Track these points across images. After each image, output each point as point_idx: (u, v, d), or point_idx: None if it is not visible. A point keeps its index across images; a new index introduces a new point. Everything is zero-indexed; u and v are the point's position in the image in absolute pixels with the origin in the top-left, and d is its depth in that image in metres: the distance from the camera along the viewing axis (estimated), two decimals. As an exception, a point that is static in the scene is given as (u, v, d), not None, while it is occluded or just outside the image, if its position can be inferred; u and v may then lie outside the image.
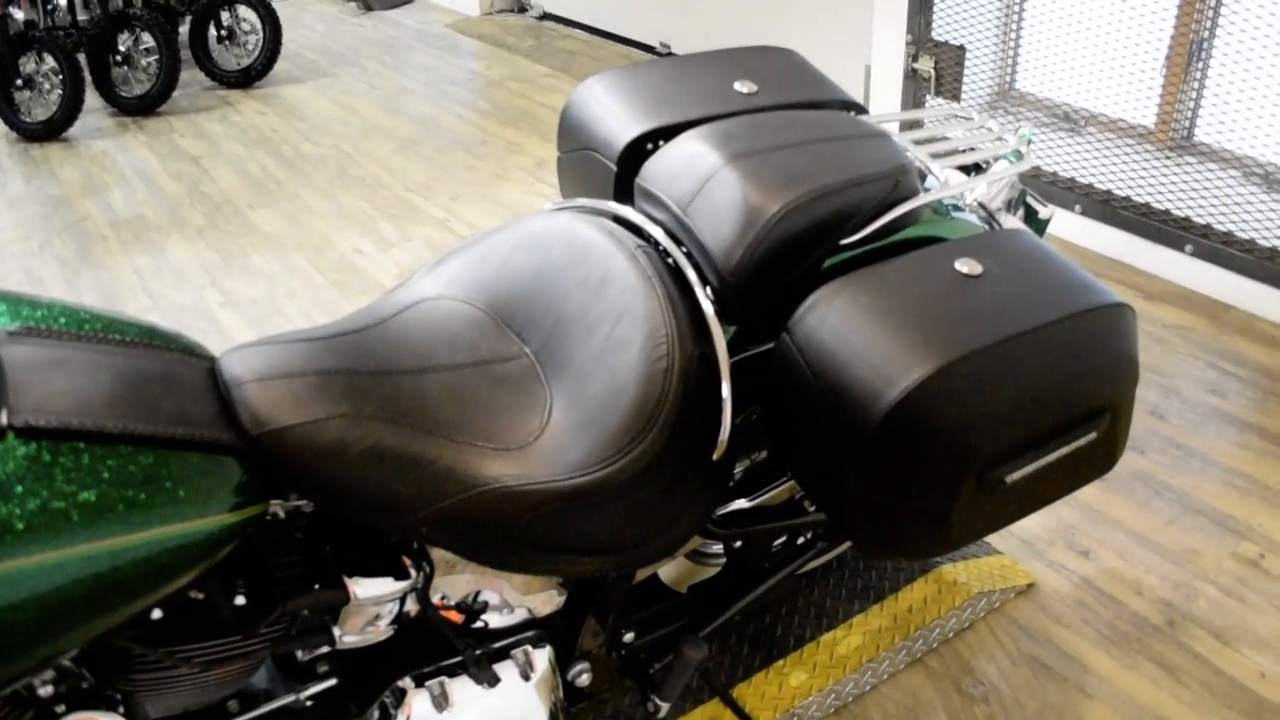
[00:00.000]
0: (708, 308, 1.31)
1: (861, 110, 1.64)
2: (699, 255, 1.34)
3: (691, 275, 1.33)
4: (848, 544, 1.91)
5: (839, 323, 1.23)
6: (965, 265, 1.30)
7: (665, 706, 1.56)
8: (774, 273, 1.32)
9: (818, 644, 1.94)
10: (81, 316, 1.11)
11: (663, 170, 1.39)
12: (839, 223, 1.34)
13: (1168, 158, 3.27)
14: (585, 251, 1.35)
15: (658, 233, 1.39)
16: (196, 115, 5.10)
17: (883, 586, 2.06)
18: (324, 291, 3.42)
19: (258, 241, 3.78)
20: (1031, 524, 2.32)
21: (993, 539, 2.27)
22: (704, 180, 1.33)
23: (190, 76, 5.52)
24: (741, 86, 1.58)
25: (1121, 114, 3.40)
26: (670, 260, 1.37)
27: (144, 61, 5.07)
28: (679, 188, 1.36)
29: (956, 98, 3.66)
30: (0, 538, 0.89)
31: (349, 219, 3.92)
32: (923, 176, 1.56)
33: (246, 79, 5.40)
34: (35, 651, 0.94)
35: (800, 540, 1.81)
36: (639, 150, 1.50)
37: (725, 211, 1.30)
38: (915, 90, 3.75)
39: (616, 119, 1.52)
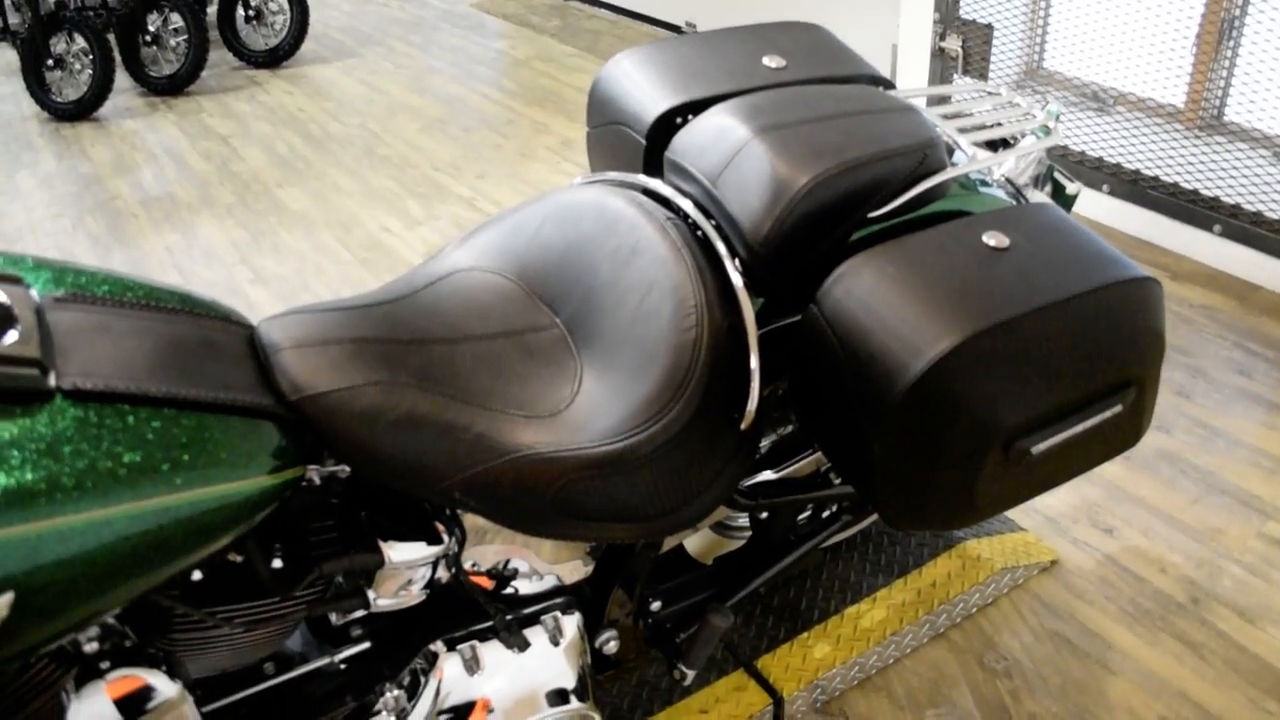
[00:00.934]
0: (736, 279, 1.32)
1: (889, 85, 1.65)
2: (728, 227, 1.35)
3: (720, 247, 1.34)
4: (873, 517, 1.92)
5: (866, 294, 1.24)
6: (992, 238, 1.31)
7: (691, 674, 1.58)
8: (802, 245, 1.33)
9: (841, 617, 1.96)
10: (125, 284, 1.14)
11: (692, 143, 1.40)
12: (867, 196, 1.35)
13: (1197, 137, 3.24)
14: (615, 223, 1.36)
15: (687, 205, 1.40)
16: (225, 95, 5.14)
17: (906, 561, 2.07)
18: (353, 269, 3.45)
19: (287, 220, 3.82)
20: (1056, 501, 2.33)
21: (1017, 516, 2.28)
22: (733, 153, 1.35)
23: (218, 57, 5.57)
24: (770, 61, 1.58)
25: (1150, 93, 3.37)
26: (699, 232, 1.38)
27: (173, 42, 5.11)
28: (708, 161, 1.37)
29: (984, 77, 3.64)
30: (50, 495, 0.91)
31: (377, 197, 3.95)
32: (950, 151, 1.57)
33: (274, 59, 5.43)
34: (83, 607, 0.97)
35: (825, 513, 1.83)
36: (668, 124, 1.52)
37: (754, 184, 1.32)
38: (942, 69, 3.73)
39: (646, 93, 1.53)
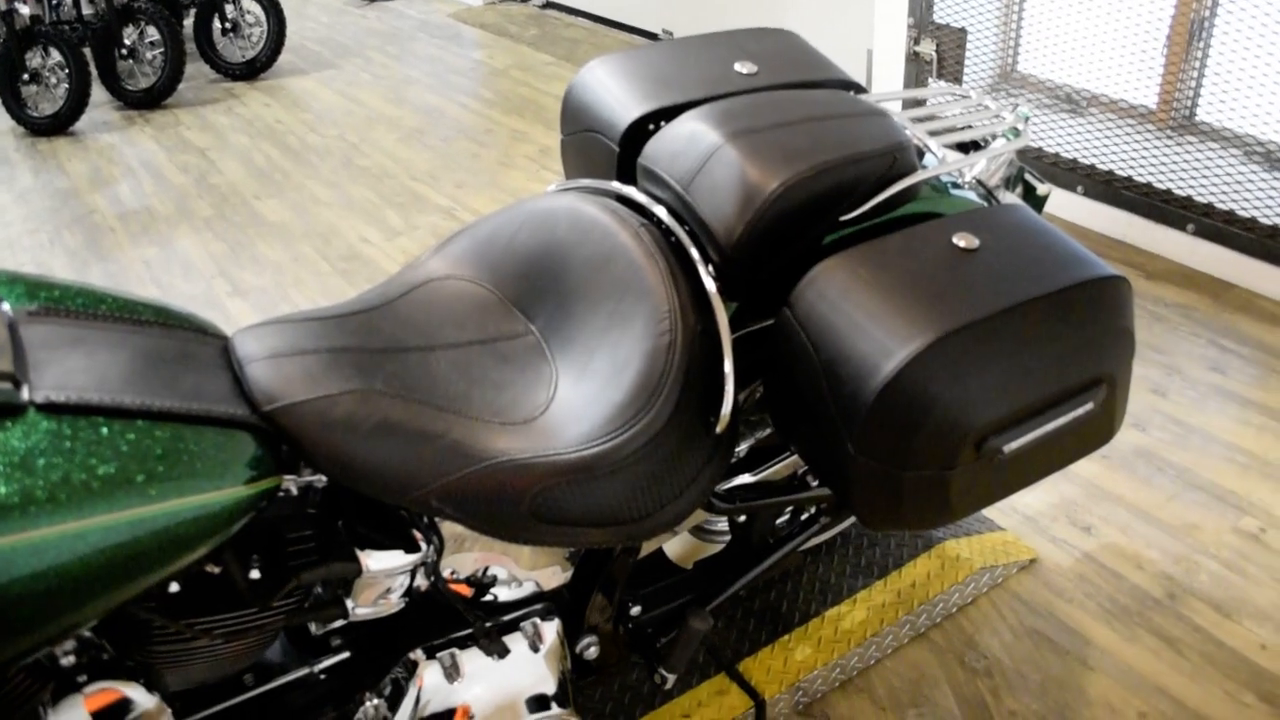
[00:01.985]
0: (710, 284, 1.33)
1: (860, 90, 1.66)
2: (701, 232, 1.36)
3: (693, 252, 1.35)
4: (851, 520, 1.93)
5: (838, 296, 1.25)
6: (962, 239, 1.32)
7: (672, 678, 1.59)
8: (774, 249, 1.34)
9: (822, 619, 1.97)
10: (99, 296, 1.14)
11: (664, 149, 1.41)
12: (838, 199, 1.37)
13: (1169, 138, 3.28)
14: (589, 230, 1.37)
15: (660, 211, 1.41)
16: (202, 108, 5.13)
17: (886, 562, 2.08)
18: (331, 280, 3.45)
19: (265, 231, 3.81)
20: (1034, 500, 2.34)
21: (995, 515, 2.30)
22: (705, 158, 1.36)
23: (195, 69, 5.56)
24: (741, 67, 1.60)
25: (1123, 95, 3.41)
26: (673, 238, 1.39)
27: (149, 55, 5.10)
28: (680, 166, 1.38)
29: (958, 80, 3.67)
30: (24, 508, 0.91)
31: (355, 208, 3.95)
32: (921, 154, 1.58)
33: (251, 71, 5.43)
34: (58, 620, 0.97)
35: (804, 516, 1.84)
36: (641, 131, 1.53)
37: (726, 189, 1.33)
38: (917, 73, 3.76)
39: (618, 100, 1.54)
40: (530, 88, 5.11)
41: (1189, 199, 3.16)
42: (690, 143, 1.38)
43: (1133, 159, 3.30)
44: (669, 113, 1.52)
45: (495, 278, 1.41)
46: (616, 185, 1.48)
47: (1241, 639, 1.98)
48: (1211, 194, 3.12)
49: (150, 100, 5.10)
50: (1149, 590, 2.10)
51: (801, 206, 1.33)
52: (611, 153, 1.54)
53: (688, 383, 1.26)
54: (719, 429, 1.30)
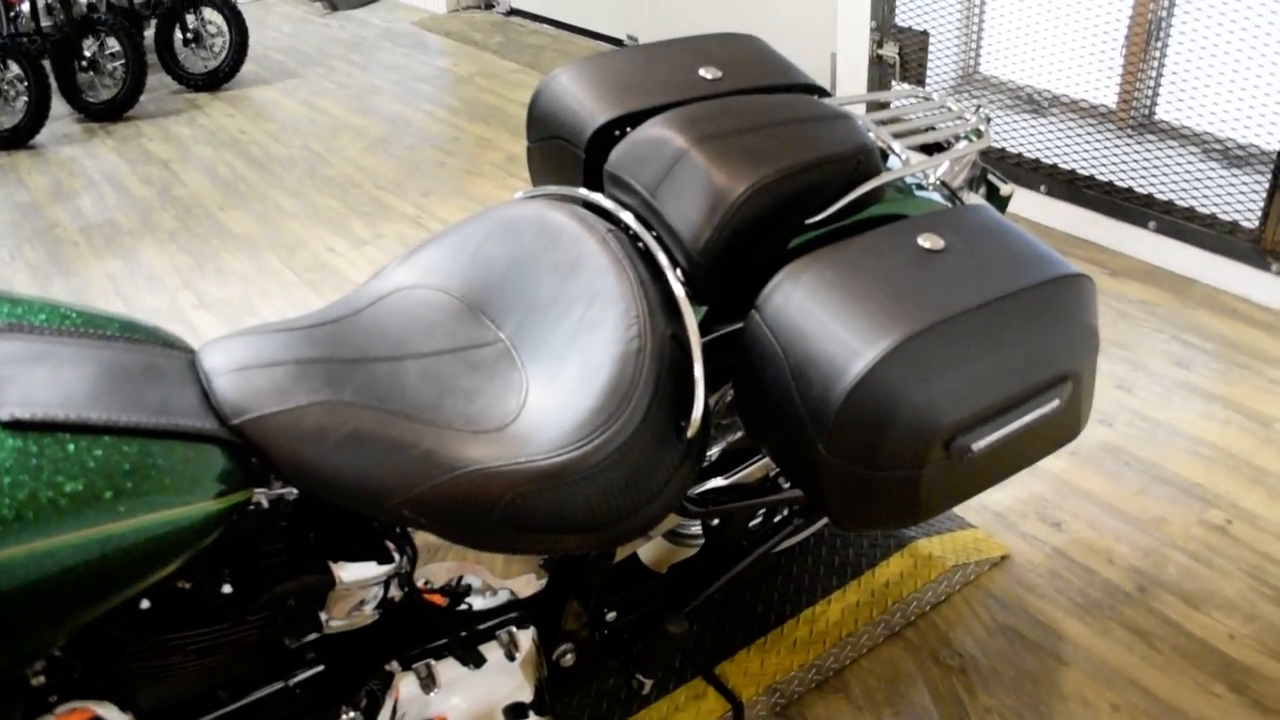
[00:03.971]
0: (678, 289, 1.33)
1: (824, 93, 1.67)
2: (668, 238, 1.36)
3: (661, 257, 1.36)
4: (824, 521, 1.94)
5: (805, 298, 1.26)
6: (928, 240, 1.33)
7: (649, 683, 1.59)
8: (742, 253, 1.35)
9: (797, 620, 1.98)
10: (62, 312, 1.13)
11: (630, 155, 1.42)
12: (803, 202, 1.38)
13: (1129, 137, 3.32)
14: (556, 237, 1.37)
15: (627, 217, 1.42)
16: (164, 119, 5.08)
17: (859, 562, 2.10)
18: (298, 290, 3.43)
19: (230, 243, 3.78)
20: (1004, 497, 2.37)
21: (966, 513, 2.31)
22: (670, 164, 1.36)
23: (157, 80, 5.51)
24: (706, 73, 1.60)
25: (1084, 95, 3.45)
26: (640, 244, 1.39)
27: (110, 66, 5.05)
28: (647, 172, 1.38)
29: (921, 83, 3.70)
30: (-13, 529, 0.90)
31: (321, 218, 3.93)
32: (885, 156, 1.60)
33: (214, 81, 5.38)
34: (28, 639, 0.96)
35: (777, 518, 1.84)
36: (607, 137, 1.53)
37: (692, 194, 1.33)
38: (881, 76, 3.79)
39: (584, 107, 1.54)
40: (496, 95, 5.10)
41: (1150, 197, 3.21)
42: (656, 148, 1.39)
43: (1094, 158, 3.34)
44: (634, 118, 1.52)
45: (463, 286, 1.41)
46: (583, 192, 1.49)
47: (1211, 630, 2.01)
48: (1172, 192, 3.16)
49: (112, 112, 5.05)
50: (1119, 584, 2.13)
51: (768, 210, 1.34)
52: (578, 159, 1.54)
53: (658, 387, 1.26)
54: (690, 433, 1.31)
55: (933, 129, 1.71)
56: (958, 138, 1.69)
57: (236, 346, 1.20)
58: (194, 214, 4.03)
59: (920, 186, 1.64)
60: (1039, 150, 3.48)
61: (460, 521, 1.20)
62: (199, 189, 4.26)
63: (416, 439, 1.18)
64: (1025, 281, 1.30)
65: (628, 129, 1.52)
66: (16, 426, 0.97)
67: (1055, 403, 1.36)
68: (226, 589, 1.20)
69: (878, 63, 3.78)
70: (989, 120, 1.68)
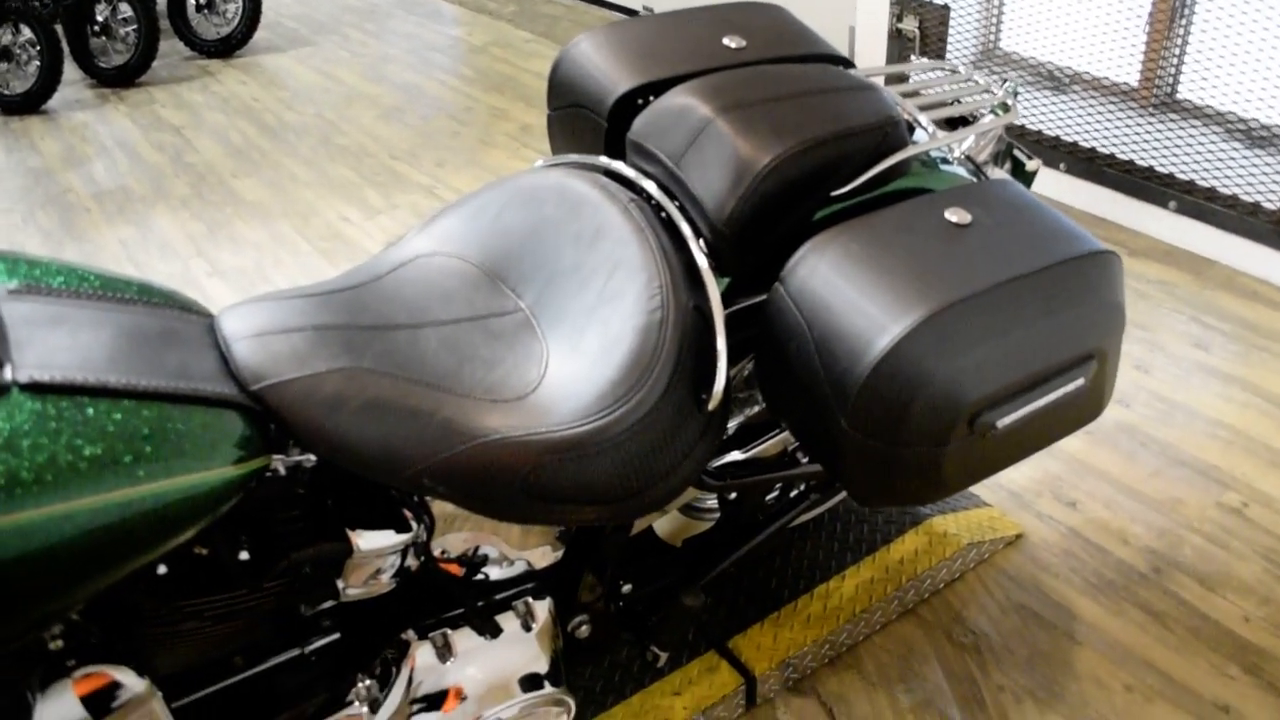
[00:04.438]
0: (701, 260, 1.32)
1: (849, 64, 1.65)
2: (692, 208, 1.35)
3: (684, 227, 1.34)
4: (841, 496, 1.93)
5: (831, 271, 1.24)
6: (954, 214, 1.31)
7: (664, 656, 1.59)
8: (766, 224, 1.33)
9: (811, 595, 1.97)
10: (80, 274, 1.11)
11: (654, 124, 1.40)
12: (829, 174, 1.36)
13: (1151, 115, 3.28)
14: (578, 206, 1.36)
15: (650, 186, 1.40)
16: (177, 85, 5.06)
17: (874, 539, 2.09)
18: (311, 260, 3.42)
19: (243, 211, 3.77)
20: (1019, 476, 2.35)
21: (981, 491, 2.30)
22: (695, 133, 1.34)
23: (169, 46, 5.48)
24: (730, 41, 1.58)
25: (1105, 73, 3.41)
26: (663, 213, 1.38)
27: (122, 32, 5.02)
28: (671, 141, 1.37)
29: (941, 57, 3.66)
30: (10, 490, 0.89)
31: (334, 187, 3.91)
32: (911, 129, 1.57)
33: (226, 48, 5.35)
34: (47, 604, 0.96)
35: (793, 493, 1.83)
36: (629, 105, 1.51)
37: (717, 164, 1.31)
38: (900, 50, 3.75)
39: (606, 75, 1.52)
40: (510, 65, 5.06)
41: (1171, 176, 3.17)
42: (680, 117, 1.37)
43: (1115, 136, 3.31)
44: (657, 87, 1.50)
45: (482, 254, 1.40)
46: (605, 160, 1.47)
47: (1225, 612, 2.00)
48: (1193, 171, 3.13)
49: (124, 78, 5.02)
50: (1134, 565, 2.12)
51: (793, 182, 1.32)
52: (599, 128, 1.52)
53: (680, 359, 1.25)
54: (710, 406, 1.29)
55: (958, 102, 1.69)
56: (984, 111, 1.67)
57: (256, 312, 1.19)
58: (207, 181, 4.02)
59: (945, 160, 1.62)
60: (1059, 128, 3.44)
61: (479, 491, 1.19)
62: (212, 156, 4.24)
63: (436, 407, 1.17)
64: (1053, 258, 1.28)
65: (651, 98, 1.50)
66: (35, 389, 0.96)
67: (1080, 381, 1.34)
68: (244, 555, 1.20)
69: (897, 36, 3.73)
70: (1016, 94, 1.66)
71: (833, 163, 1.35)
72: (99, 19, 4.97)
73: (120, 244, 3.58)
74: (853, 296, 1.21)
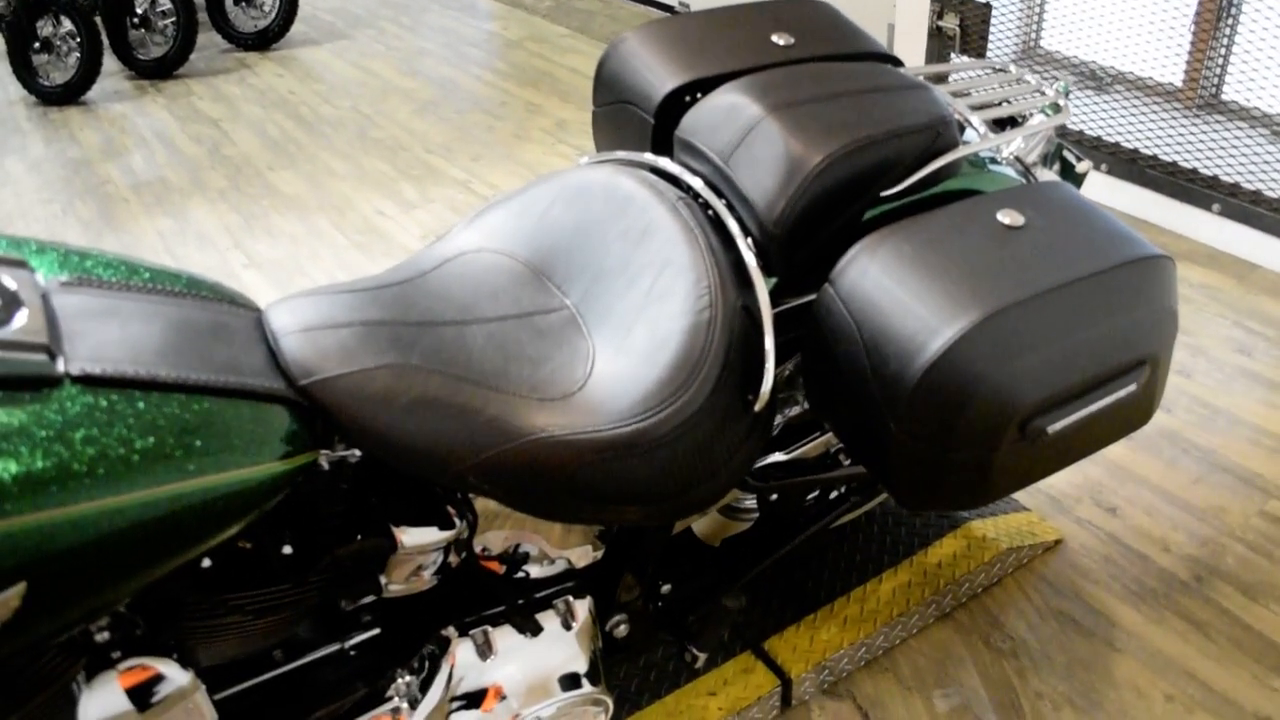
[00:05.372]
0: (750, 259, 1.31)
1: (897, 62, 1.63)
2: (740, 207, 1.33)
3: (733, 226, 1.33)
4: (880, 498, 1.92)
5: (883, 273, 1.23)
6: (1007, 217, 1.29)
7: (703, 656, 1.58)
8: (816, 224, 1.32)
9: (848, 598, 1.96)
10: (130, 267, 1.12)
11: (703, 122, 1.39)
12: (880, 174, 1.34)
13: (1195, 116, 3.24)
14: (626, 203, 1.35)
15: (697, 183, 1.39)
16: (214, 78, 5.09)
17: (912, 542, 2.07)
18: (347, 253, 3.43)
19: (279, 203, 3.78)
20: (1059, 481, 2.33)
21: (1020, 496, 2.28)
22: (746, 131, 1.33)
23: (207, 39, 5.51)
24: (778, 39, 1.57)
25: (1148, 72, 3.36)
26: (710, 211, 1.37)
27: (161, 24, 5.06)
28: (720, 139, 1.35)
29: (982, 55, 3.63)
30: (63, 483, 0.90)
31: (370, 181, 3.92)
32: (961, 129, 1.55)
33: (263, 41, 5.38)
34: (96, 596, 0.96)
35: (833, 494, 1.82)
36: (677, 102, 1.50)
37: (768, 163, 1.30)
38: (940, 48, 3.72)
39: (654, 72, 1.51)
40: (545, 60, 5.06)
41: (1215, 179, 3.13)
42: (730, 115, 1.35)
43: (1158, 137, 3.26)
44: (706, 84, 1.49)
45: (528, 251, 1.39)
46: (652, 158, 1.46)
47: (1269, 623, 1.97)
48: (1238, 174, 3.08)
49: (162, 70, 5.06)
50: (1175, 572, 2.09)
51: (844, 181, 1.31)
52: (646, 124, 1.51)
53: (728, 360, 1.24)
54: (758, 407, 1.28)
55: (1007, 102, 1.66)
56: (1033, 111, 1.65)
57: (304, 306, 1.18)
58: (244, 173, 4.04)
59: (994, 161, 1.59)
60: (1101, 128, 3.40)
61: (525, 489, 1.18)
62: (249, 148, 4.26)
63: (483, 405, 1.17)
64: (1107, 262, 1.26)
65: (698, 95, 1.49)
66: (87, 381, 0.96)
67: (1132, 387, 1.32)
68: (287, 550, 1.20)
69: (937, 34, 3.70)
70: (1067, 94, 1.63)
71: (884, 163, 1.33)
72: (138, 11, 5.01)
73: (158, 235, 3.60)
74: (905, 299, 1.20)
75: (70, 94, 4.80)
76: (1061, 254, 1.26)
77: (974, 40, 3.63)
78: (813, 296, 1.42)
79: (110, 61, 5.18)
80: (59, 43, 4.81)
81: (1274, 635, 1.94)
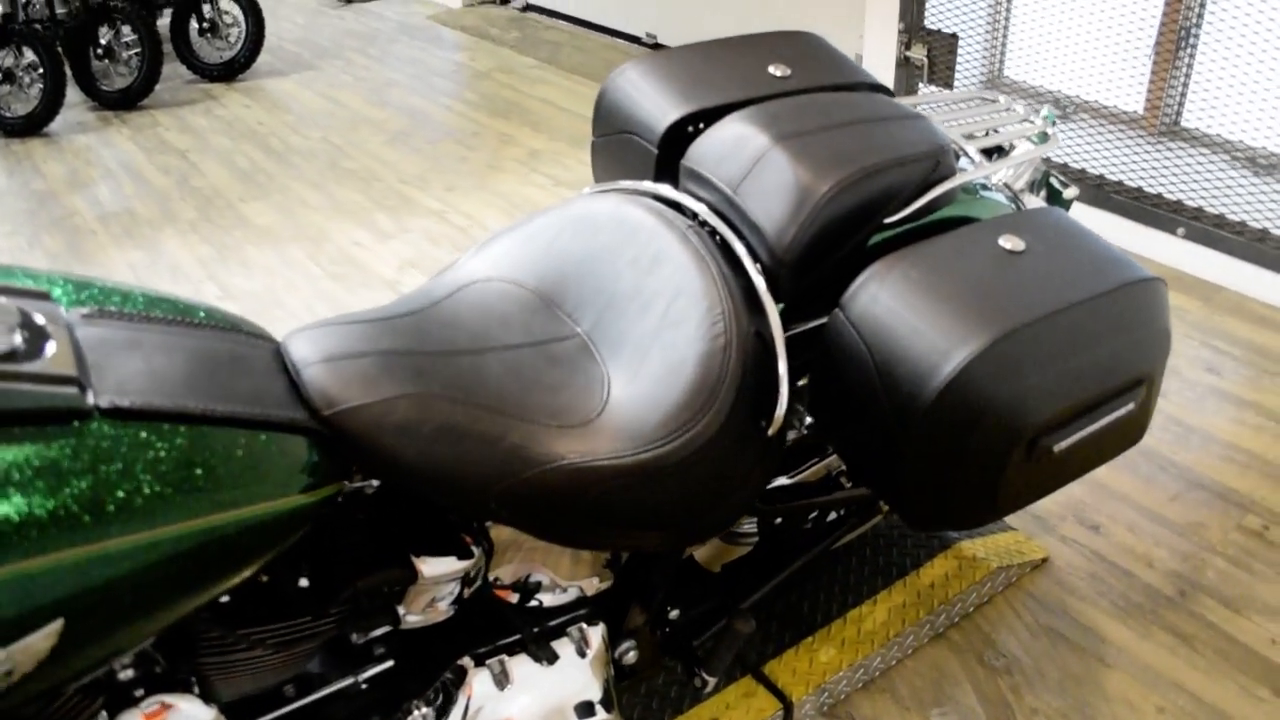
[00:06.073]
0: (761, 284, 1.33)
1: (889, 92, 1.67)
2: (750, 234, 1.36)
3: (742, 253, 1.35)
4: (876, 520, 1.94)
5: (893, 298, 1.25)
6: (1008, 242, 1.33)
7: (712, 681, 1.59)
8: (825, 250, 1.34)
9: (844, 620, 1.98)
10: (150, 298, 1.12)
11: (710, 152, 1.41)
12: (885, 201, 1.37)
13: (1157, 142, 3.33)
14: (635, 232, 1.37)
15: (704, 211, 1.41)
16: (180, 109, 5.06)
17: (904, 563, 2.09)
18: (324, 284, 3.41)
19: (252, 235, 3.76)
20: (1043, 501, 2.37)
21: (1008, 516, 2.31)
22: (754, 161, 1.36)
23: (172, 70, 5.48)
24: (775, 70, 1.60)
25: (1111, 100, 3.45)
26: (718, 239, 1.39)
27: (125, 55, 5.02)
28: (728, 169, 1.38)
29: (949, 85, 3.70)
30: (98, 518, 0.89)
31: (344, 211, 3.91)
32: (956, 157, 1.59)
33: (229, 72, 5.36)
34: (129, 631, 0.95)
35: (830, 517, 1.84)
36: (679, 133, 1.52)
37: (777, 191, 1.33)
38: (908, 78, 3.79)
39: (656, 102, 1.53)
40: (515, 90, 5.09)
41: (1179, 203, 3.21)
42: (738, 145, 1.38)
43: (1122, 163, 3.35)
44: (708, 115, 1.52)
45: (536, 280, 1.41)
46: (660, 187, 1.48)
47: (1252, 634, 2.01)
48: (1201, 198, 3.17)
49: (127, 101, 5.02)
50: (1160, 588, 2.13)
51: (852, 209, 1.34)
52: (649, 154, 1.53)
53: (743, 384, 1.25)
54: (771, 431, 1.30)
55: (994, 131, 1.71)
56: (1021, 139, 1.69)
57: (322, 337, 1.19)
58: (214, 205, 4.01)
59: (985, 187, 1.63)
60: (1066, 155, 3.48)
61: (546, 515, 1.19)
62: (218, 180, 4.24)
63: (504, 433, 1.17)
64: (1107, 284, 1.30)
65: (701, 125, 1.52)
66: (116, 414, 0.96)
67: (1130, 405, 1.36)
68: (303, 582, 1.20)
69: (905, 64, 3.77)
70: (1054, 122, 1.68)
71: (889, 190, 1.37)
72: (102, 42, 4.97)
73: (129, 267, 3.57)
74: (916, 322, 1.23)
75: (33, 125, 4.75)
76: (1062, 277, 1.29)
77: (941, 70, 3.71)
78: (819, 321, 1.45)
79: (73, 93, 5.13)
80: (20, 73, 4.75)
81: (1257, 646, 1.99)
